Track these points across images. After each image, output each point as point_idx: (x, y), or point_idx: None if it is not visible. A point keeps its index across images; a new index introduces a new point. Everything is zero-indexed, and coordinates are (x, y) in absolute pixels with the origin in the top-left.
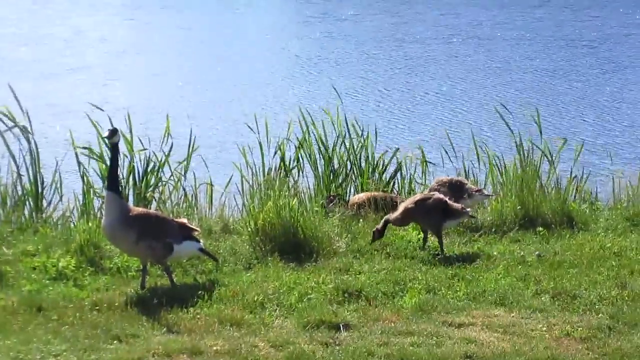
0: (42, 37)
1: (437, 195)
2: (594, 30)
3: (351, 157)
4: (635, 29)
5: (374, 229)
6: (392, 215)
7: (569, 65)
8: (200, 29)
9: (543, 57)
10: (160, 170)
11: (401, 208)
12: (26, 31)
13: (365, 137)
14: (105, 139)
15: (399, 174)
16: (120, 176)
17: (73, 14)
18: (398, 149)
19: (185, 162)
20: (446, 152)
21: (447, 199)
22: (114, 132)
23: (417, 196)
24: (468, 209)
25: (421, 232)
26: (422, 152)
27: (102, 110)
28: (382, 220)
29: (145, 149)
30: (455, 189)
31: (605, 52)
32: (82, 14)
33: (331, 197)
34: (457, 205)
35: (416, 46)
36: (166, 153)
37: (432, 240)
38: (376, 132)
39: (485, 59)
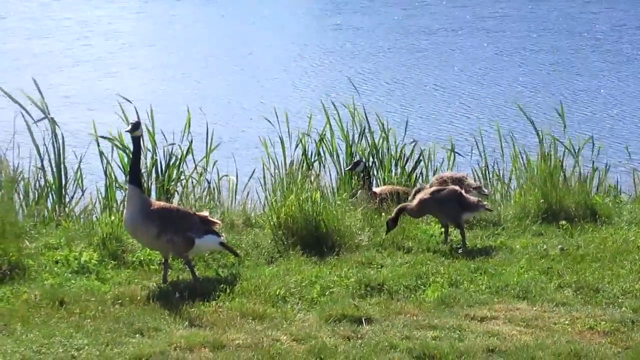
0: (53, 29)
1: (453, 187)
2: (614, 24)
3: (373, 150)
4: None
5: (388, 219)
6: (409, 205)
7: (587, 59)
8: (215, 21)
9: (563, 51)
10: (183, 163)
11: (417, 199)
12: (37, 24)
13: (386, 130)
14: (128, 132)
15: (422, 167)
16: (143, 169)
17: (85, 6)
18: (416, 142)
19: (207, 156)
20: (474, 146)
21: (462, 190)
22: (136, 125)
23: (432, 188)
24: (485, 203)
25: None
26: (452, 144)
27: (130, 102)
28: (396, 209)
29: (173, 144)
30: (455, 185)
31: (622, 46)
32: (95, 5)
33: (357, 161)
34: (473, 198)
35: (432, 38)
36: (187, 147)
37: (455, 234)
38: (406, 126)
39: (507, 52)
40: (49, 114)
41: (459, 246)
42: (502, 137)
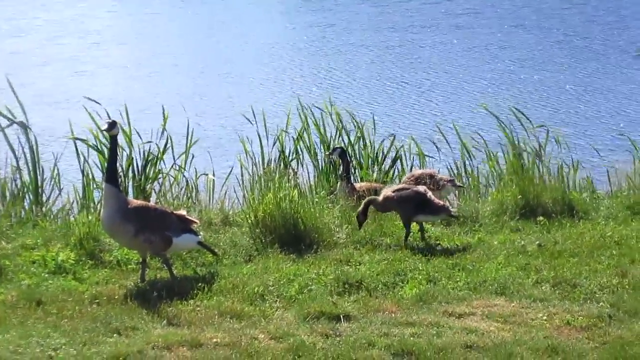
0: (24, 28)
1: (418, 187)
2: (578, 19)
3: (349, 148)
4: (620, 16)
5: (357, 214)
6: (376, 200)
7: (550, 55)
8: (189, 20)
9: (527, 47)
10: (160, 162)
11: (383, 194)
12: (8, 23)
13: (361, 127)
14: (104, 132)
15: (398, 164)
16: (120, 169)
17: (58, 4)
18: (394, 136)
19: (184, 155)
20: (447, 143)
21: (429, 193)
22: (112, 124)
23: (398, 185)
24: (451, 209)
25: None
26: (416, 143)
27: (99, 104)
28: (364, 202)
29: (149, 142)
30: (425, 180)
31: (587, 40)
32: (67, 4)
33: (336, 147)
34: (438, 202)
35: (403, 35)
36: (164, 146)
37: (433, 230)
38: (374, 123)
39: (477, 48)
40: (24, 114)
41: (437, 242)
42: (476, 133)
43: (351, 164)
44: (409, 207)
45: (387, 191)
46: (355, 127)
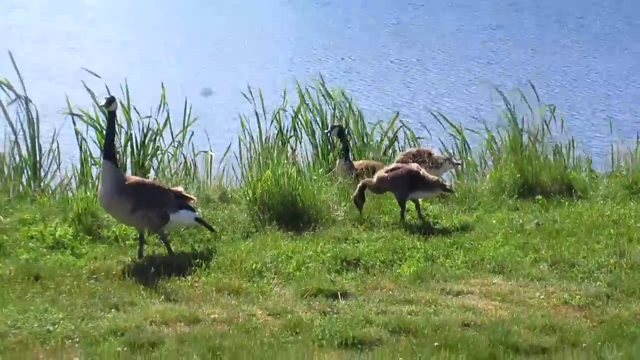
0: (20, 3)
1: (411, 165)
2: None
3: (345, 126)
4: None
5: (354, 198)
6: (370, 182)
7: (556, 38)
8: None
9: (534, 29)
10: (159, 138)
11: (377, 175)
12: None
13: (358, 107)
14: (103, 107)
15: (396, 142)
16: (118, 145)
17: None
18: (398, 113)
19: (183, 131)
20: (439, 124)
21: (422, 170)
22: (111, 100)
23: (392, 165)
24: (446, 183)
25: (419, 201)
26: (404, 123)
27: (99, 77)
28: (359, 186)
29: (148, 117)
30: (422, 159)
31: (595, 23)
32: None
33: (335, 125)
34: (432, 178)
35: (401, 14)
36: (164, 122)
37: (431, 208)
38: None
39: (473, 29)
40: (23, 89)
41: (436, 221)
42: (474, 112)
43: (349, 142)
44: (403, 185)
45: (380, 172)
46: (350, 107)
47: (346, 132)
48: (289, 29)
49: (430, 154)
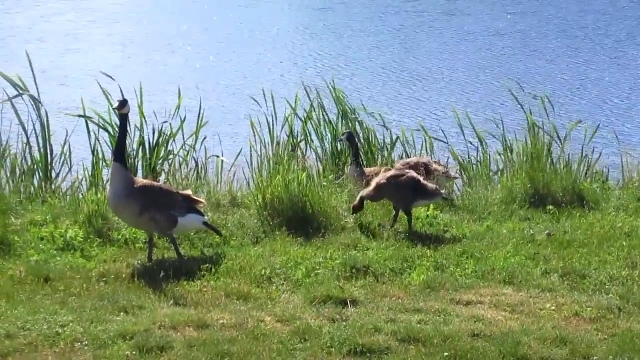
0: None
1: (411, 172)
2: (605, 12)
3: (354, 133)
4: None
5: (352, 206)
6: (365, 191)
7: (575, 47)
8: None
9: (552, 38)
10: (171, 142)
11: (374, 183)
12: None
13: (369, 113)
14: (115, 110)
15: (401, 151)
16: (130, 148)
17: None
18: (423, 128)
19: (194, 135)
20: (458, 129)
21: (420, 177)
22: (123, 102)
23: (390, 172)
24: (442, 191)
25: (429, 209)
26: (424, 129)
27: (114, 79)
28: (358, 197)
29: (165, 121)
30: (420, 170)
31: (614, 33)
32: None
33: (345, 133)
34: (431, 185)
35: (411, 19)
36: (179, 125)
37: (441, 217)
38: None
39: (494, 36)
40: (36, 90)
41: (445, 229)
42: (487, 121)
43: (360, 148)
44: (406, 195)
45: (379, 179)
46: (364, 112)
47: (356, 138)
48: (303, 35)
49: (427, 165)
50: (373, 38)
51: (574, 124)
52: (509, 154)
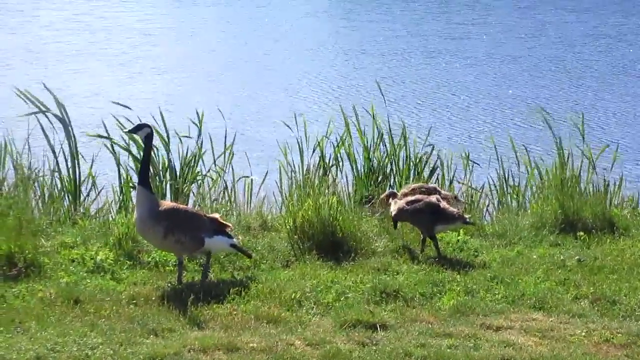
0: (49, 23)
1: (430, 198)
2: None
3: (391, 156)
4: None
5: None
6: (391, 210)
7: (604, 68)
8: (232, 23)
9: (583, 59)
10: (199, 164)
11: (396, 206)
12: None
13: (405, 134)
14: (127, 133)
15: (438, 174)
16: (156, 170)
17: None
18: (433, 146)
19: (223, 157)
20: (491, 153)
21: (442, 202)
22: (138, 127)
23: (412, 197)
24: (466, 216)
25: (460, 234)
26: (467, 153)
27: (130, 109)
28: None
29: (188, 136)
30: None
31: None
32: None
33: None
34: (452, 209)
35: (451, 42)
36: (210, 147)
37: (472, 242)
38: (426, 131)
39: (527, 59)
40: (65, 113)
41: (475, 254)
42: (518, 145)
43: (390, 175)
44: (427, 221)
45: (400, 203)
46: (400, 133)
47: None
48: (338, 55)
49: (436, 191)
50: (411, 68)
51: (602, 148)
52: (538, 179)
